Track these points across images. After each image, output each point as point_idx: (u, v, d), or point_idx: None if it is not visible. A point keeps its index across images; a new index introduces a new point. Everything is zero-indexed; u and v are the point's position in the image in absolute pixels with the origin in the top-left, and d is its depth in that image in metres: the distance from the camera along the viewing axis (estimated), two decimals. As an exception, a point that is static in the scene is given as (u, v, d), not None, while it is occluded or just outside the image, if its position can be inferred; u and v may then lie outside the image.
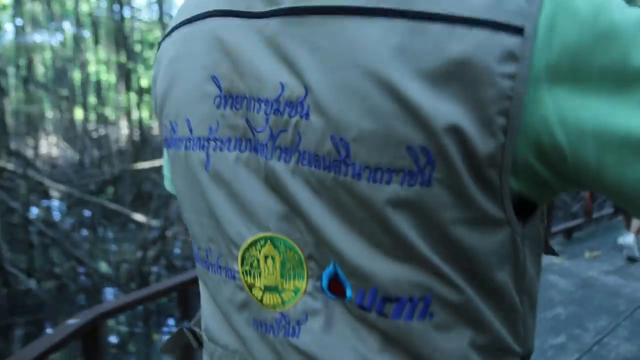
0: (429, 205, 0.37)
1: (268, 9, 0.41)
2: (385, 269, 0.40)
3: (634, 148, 0.34)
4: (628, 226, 4.85)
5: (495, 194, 0.38)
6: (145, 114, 13.10)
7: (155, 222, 8.62)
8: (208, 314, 0.54)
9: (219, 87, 0.45)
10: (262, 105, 0.42)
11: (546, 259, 3.83)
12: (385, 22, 0.36)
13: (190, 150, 0.48)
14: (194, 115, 0.47)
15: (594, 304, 3.42)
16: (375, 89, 0.36)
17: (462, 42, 0.34)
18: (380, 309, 0.41)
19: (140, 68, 13.88)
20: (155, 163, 10.08)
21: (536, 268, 0.47)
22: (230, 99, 0.44)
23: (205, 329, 0.55)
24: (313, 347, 0.44)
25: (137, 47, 14.55)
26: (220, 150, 0.46)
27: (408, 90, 0.35)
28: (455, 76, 0.35)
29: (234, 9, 0.44)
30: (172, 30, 0.52)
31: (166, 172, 0.64)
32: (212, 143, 0.46)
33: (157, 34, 13.60)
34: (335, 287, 0.43)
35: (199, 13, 0.47)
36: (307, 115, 0.39)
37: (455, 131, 0.35)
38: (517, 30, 0.34)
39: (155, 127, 12.58)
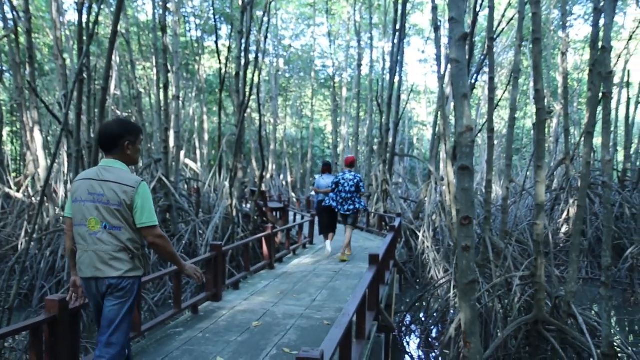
0: (125, 212, 2.92)
1: (101, 179, 2.94)
2: (113, 221, 2.91)
3: (140, 214, 2.95)
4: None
5: (134, 216, 2.95)
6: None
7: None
8: (75, 235, 2.99)
9: (89, 191, 2.95)
10: (97, 196, 2.94)
11: None
12: (115, 184, 2.93)
13: (81, 203, 2.95)
14: (82, 197, 2.95)
15: None
16: (119, 193, 2.92)
17: (129, 188, 2.92)
18: (112, 229, 2.91)
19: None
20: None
21: (140, 236, 3.03)
22: (91, 194, 2.94)
23: (77, 243, 3.01)
24: (99, 237, 2.91)
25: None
26: (90, 202, 2.94)
27: (121, 194, 2.91)
28: (128, 191, 2.92)
29: (94, 178, 2.97)
30: (78, 180, 3.04)
31: (67, 209, 3.08)
32: (87, 202, 2.94)
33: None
34: (105, 227, 2.92)
35: (86, 177, 3.00)
36: (104, 196, 2.90)
37: (125, 201, 2.91)
38: (133, 187, 2.94)
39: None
